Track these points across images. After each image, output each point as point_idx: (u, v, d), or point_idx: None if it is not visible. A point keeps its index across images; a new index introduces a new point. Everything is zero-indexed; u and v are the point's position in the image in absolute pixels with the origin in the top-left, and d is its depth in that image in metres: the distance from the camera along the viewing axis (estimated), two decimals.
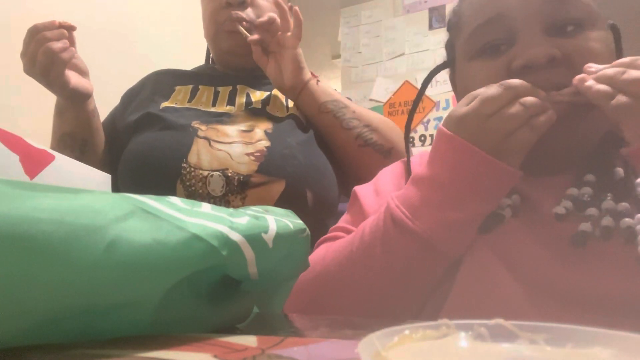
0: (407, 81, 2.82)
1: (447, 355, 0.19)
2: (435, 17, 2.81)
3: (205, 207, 0.31)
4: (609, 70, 0.44)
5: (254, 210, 0.34)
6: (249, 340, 0.27)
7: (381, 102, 2.91)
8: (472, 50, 0.54)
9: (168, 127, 0.83)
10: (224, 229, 0.28)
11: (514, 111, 0.44)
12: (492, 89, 0.45)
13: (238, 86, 0.95)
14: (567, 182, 0.49)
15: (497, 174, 0.45)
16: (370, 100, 2.96)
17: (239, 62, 0.97)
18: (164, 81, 0.97)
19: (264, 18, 0.85)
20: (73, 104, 0.81)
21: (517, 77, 0.48)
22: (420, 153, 0.66)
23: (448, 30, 0.61)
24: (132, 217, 0.25)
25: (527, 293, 0.45)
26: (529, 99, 0.44)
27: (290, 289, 0.42)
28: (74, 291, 0.22)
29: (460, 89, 0.58)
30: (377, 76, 2.95)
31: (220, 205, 0.75)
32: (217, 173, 0.77)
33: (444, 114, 2.63)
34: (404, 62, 2.86)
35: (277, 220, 0.34)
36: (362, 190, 0.65)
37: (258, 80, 0.98)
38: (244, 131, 0.83)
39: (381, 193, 0.63)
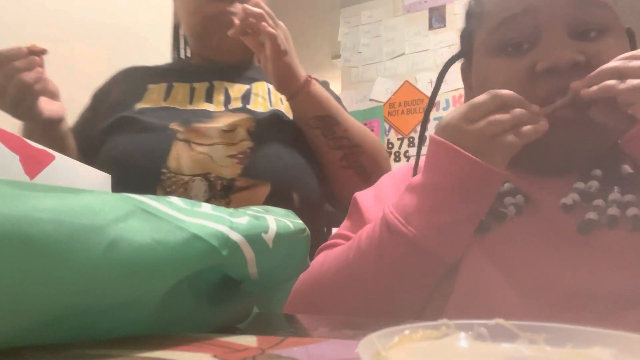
0: (407, 81, 2.82)
1: (447, 355, 0.19)
2: (435, 17, 2.81)
3: (206, 207, 0.31)
4: (612, 63, 0.44)
5: (254, 210, 0.34)
6: (249, 340, 0.27)
7: (381, 102, 2.91)
8: (493, 45, 0.53)
9: (145, 129, 0.77)
10: (224, 229, 0.28)
11: (499, 117, 0.45)
12: (479, 97, 0.46)
13: (215, 82, 0.89)
14: (571, 183, 0.49)
15: (481, 174, 0.45)
16: (370, 100, 2.96)
17: (223, 57, 0.91)
18: (135, 80, 0.90)
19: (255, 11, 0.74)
20: (44, 130, 0.75)
21: (540, 79, 0.48)
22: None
23: (467, 18, 0.60)
24: (132, 217, 0.25)
25: (528, 294, 0.45)
26: (518, 111, 0.45)
27: (290, 289, 0.42)
28: (74, 291, 0.22)
29: (477, 83, 0.58)
30: (377, 76, 2.95)
31: None
32: (199, 178, 0.73)
33: (444, 114, 2.63)
34: (404, 62, 2.86)
35: (277, 220, 0.34)
36: (362, 197, 0.65)
37: (236, 73, 0.91)
38: (225, 131, 0.78)
39: (381, 199, 0.62)
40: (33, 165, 0.31)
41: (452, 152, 0.46)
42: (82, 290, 0.22)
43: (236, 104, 0.85)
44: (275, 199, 0.75)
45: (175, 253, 0.25)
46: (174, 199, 0.29)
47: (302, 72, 0.79)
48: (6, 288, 0.20)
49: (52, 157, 0.33)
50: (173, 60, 1.02)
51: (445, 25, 2.76)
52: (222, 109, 0.84)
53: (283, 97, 0.87)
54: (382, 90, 2.92)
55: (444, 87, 0.62)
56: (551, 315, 0.43)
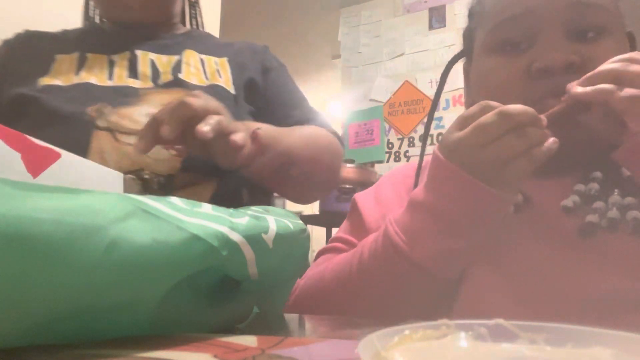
0: (407, 81, 2.82)
1: (447, 355, 0.19)
2: (435, 17, 2.81)
3: (206, 207, 0.31)
4: (610, 65, 0.43)
5: (254, 210, 0.34)
6: (249, 340, 0.27)
7: (381, 102, 2.91)
8: (492, 44, 0.53)
9: (54, 118, 0.62)
10: (224, 229, 0.28)
11: (511, 143, 0.42)
12: (488, 117, 0.43)
13: (137, 52, 0.73)
14: (571, 184, 0.49)
15: (494, 203, 0.44)
16: (370, 100, 2.96)
17: (130, 17, 0.76)
18: (38, 47, 0.73)
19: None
20: None
21: (535, 80, 0.48)
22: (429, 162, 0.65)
23: (469, 17, 0.60)
24: (132, 218, 0.25)
25: (528, 298, 0.45)
26: (530, 131, 0.42)
27: (290, 289, 0.42)
28: (74, 291, 0.22)
29: (475, 82, 0.58)
30: (377, 76, 2.95)
31: None
32: (130, 176, 0.60)
33: (444, 114, 2.63)
34: (404, 62, 2.86)
35: (277, 221, 0.34)
36: (362, 198, 0.65)
37: (161, 40, 0.77)
38: None
39: (381, 201, 0.62)
40: (36, 163, 0.31)
41: (463, 179, 0.44)
42: (82, 290, 0.22)
43: (167, 77, 0.71)
44: (222, 198, 0.64)
45: (175, 253, 0.25)
46: (174, 199, 0.29)
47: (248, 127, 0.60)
48: (6, 288, 0.20)
49: (58, 155, 0.33)
50: (84, 25, 0.85)
51: (445, 25, 2.76)
52: (151, 84, 0.70)
53: (221, 68, 0.76)
54: (382, 90, 2.92)
55: (444, 87, 0.61)
56: (550, 319, 0.43)
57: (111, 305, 0.24)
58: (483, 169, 0.43)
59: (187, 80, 0.71)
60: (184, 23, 0.88)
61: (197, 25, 0.90)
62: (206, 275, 0.29)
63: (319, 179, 0.74)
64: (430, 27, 2.81)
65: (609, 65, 0.44)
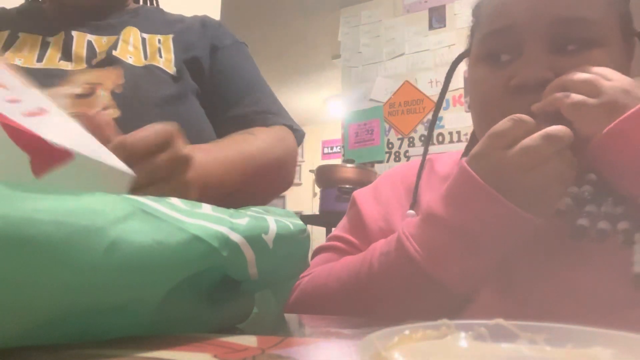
0: (407, 81, 2.82)
1: (447, 355, 0.19)
2: (435, 17, 2.81)
3: (206, 207, 0.31)
4: (560, 78, 0.45)
5: (254, 210, 0.34)
6: (249, 340, 0.27)
7: (381, 102, 2.91)
8: (481, 54, 0.54)
9: None
10: (224, 230, 0.28)
11: (555, 167, 0.42)
12: (533, 140, 0.42)
13: (74, 32, 0.68)
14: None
15: (527, 227, 0.44)
16: (370, 100, 2.96)
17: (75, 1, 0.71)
18: None
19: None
20: None
21: (514, 94, 0.48)
22: (431, 158, 0.65)
23: (472, 15, 0.60)
24: (132, 218, 0.25)
25: (522, 300, 0.45)
26: (566, 155, 0.43)
27: (290, 289, 0.42)
28: (75, 292, 0.22)
29: (468, 87, 0.58)
30: (377, 76, 2.95)
31: None
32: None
33: (445, 114, 2.63)
34: (404, 62, 2.86)
35: (278, 221, 0.34)
36: (361, 196, 0.65)
37: (105, 20, 0.71)
38: (80, 96, 0.59)
39: (380, 200, 0.62)
40: (44, 166, 0.29)
41: (501, 205, 0.43)
42: (83, 291, 0.22)
43: (101, 56, 0.66)
44: None
45: (175, 254, 0.25)
46: (173, 200, 0.29)
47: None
48: (7, 289, 0.20)
49: (71, 157, 0.30)
50: (23, 4, 0.79)
51: (445, 25, 2.76)
52: (84, 66, 0.65)
53: (163, 46, 0.71)
54: (382, 90, 2.92)
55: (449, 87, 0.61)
56: (549, 320, 0.43)
57: (111, 305, 0.24)
58: (523, 193, 0.43)
59: (122, 57, 0.66)
60: (137, 1, 0.83)
61: (150, 1, 0.84)
62: (206, 276, 0.29)
63: (266, 192, 0.70)
64: (430, 27, 2.81)
65: (558, 78, 0.45)
